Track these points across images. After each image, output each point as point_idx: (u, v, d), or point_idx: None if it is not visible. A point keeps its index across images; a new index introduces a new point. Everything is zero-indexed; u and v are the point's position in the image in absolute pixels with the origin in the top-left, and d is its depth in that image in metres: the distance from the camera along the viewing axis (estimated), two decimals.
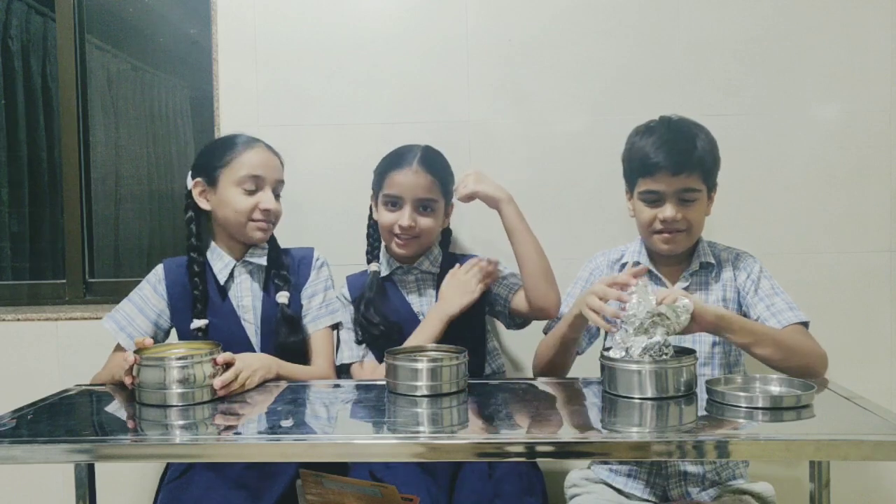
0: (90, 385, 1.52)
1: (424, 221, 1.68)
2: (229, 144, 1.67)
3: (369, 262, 1.76)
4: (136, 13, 2.26)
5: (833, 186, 1.93)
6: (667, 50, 1.94)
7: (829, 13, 1.92)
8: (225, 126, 1.97)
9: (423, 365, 1.33)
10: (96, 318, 1.99)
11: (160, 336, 1.66)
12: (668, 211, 1.54)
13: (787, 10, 1.92)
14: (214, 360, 1.37)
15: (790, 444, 1.07)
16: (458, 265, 1.72)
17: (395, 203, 1.68)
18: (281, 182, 1.69)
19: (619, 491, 1.57)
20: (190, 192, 1.68)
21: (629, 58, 1.94)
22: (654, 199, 1.56)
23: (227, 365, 1.39)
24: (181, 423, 1.24)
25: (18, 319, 2.01)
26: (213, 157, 1.67)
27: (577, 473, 1.66)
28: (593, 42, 1.95)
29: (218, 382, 1.35)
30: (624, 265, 1.67)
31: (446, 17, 1.96)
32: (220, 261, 1.67)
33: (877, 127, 1.92)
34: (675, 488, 1.53)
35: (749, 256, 1.64)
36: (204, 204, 1.67)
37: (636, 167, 1.59)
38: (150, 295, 1.66)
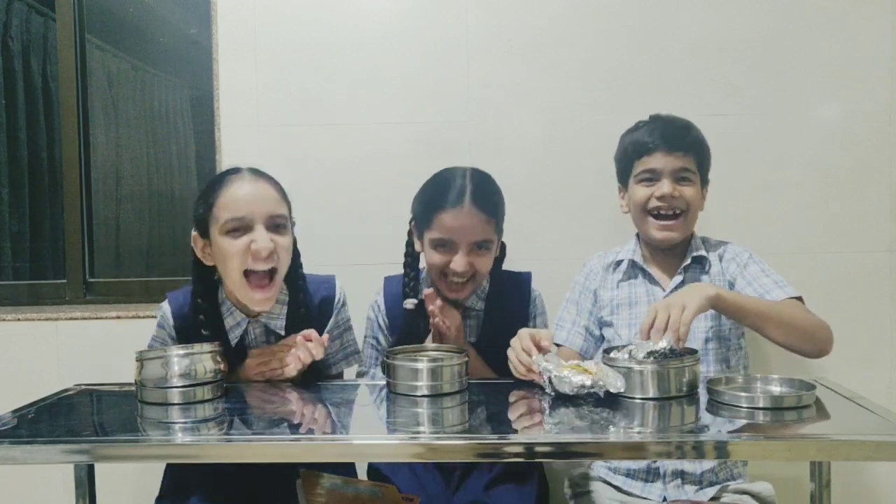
0: (90, 385, 1.52)
1: (481, 262, 1.51)
2: (214, 182, 1.44)
3: (407, 296, 1.57)
4: (136, 13, 2.26)
5: (833, 186, 1.93)
6: (667, 50, 1.94)
7: (829, 13, 1.92)
8: (225, 126, 1.97)
9: (423, 365, 1.32)
10: (96, 318, 1.99)
11: None
12: (665, 187, 1.56)
13: (787, 10, 1.92)
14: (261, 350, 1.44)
15: (791, 445, 1.07)
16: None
17: (446, 246, 1.51)
18: (279, 216, 1.42)
19: (618, 489, 1.58)
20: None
21: (629, 58, 1.94)
22: (651, 178, 1.59)
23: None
24: (182, 422, 1.24)
25: (18, 319, 2.01)
26: (199, 201, 1.44)
27: (577, 472, 1.66)
28: (593, 42, 1.95)
29: (300, 338, 1.40)
30: (619, 262, 1.68)
31: (446, 17, 1.96)
32: (231, 317, 1.49)
33: (877, 127, 1.92)
34: (674, 487, 1.53)
35: (737, 246, 1.64)
36: (209, 261, 1.45)
37: (631, 153, 1.62)
38: (167, 338, 1.55)
